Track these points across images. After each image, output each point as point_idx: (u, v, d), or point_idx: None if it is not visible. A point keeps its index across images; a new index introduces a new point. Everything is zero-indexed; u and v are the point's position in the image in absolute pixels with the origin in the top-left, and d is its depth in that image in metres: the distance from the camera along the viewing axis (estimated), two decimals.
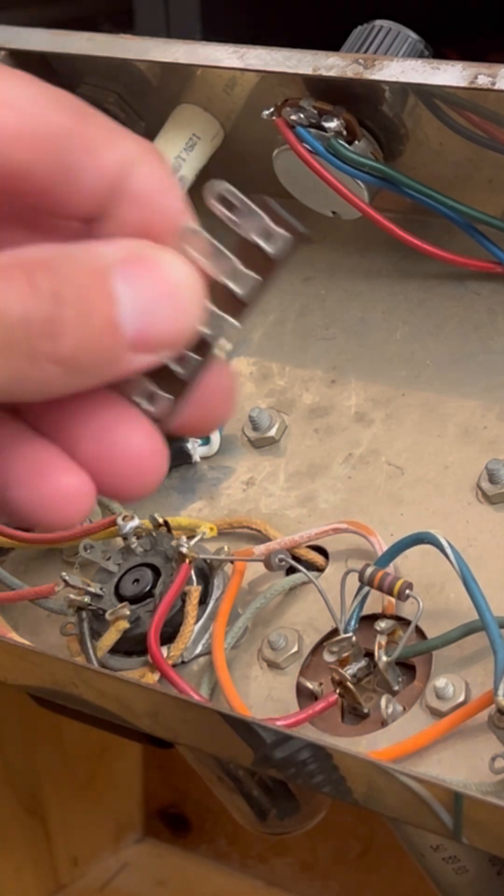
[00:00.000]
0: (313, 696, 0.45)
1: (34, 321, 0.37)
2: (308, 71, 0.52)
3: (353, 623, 0.44)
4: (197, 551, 0.48)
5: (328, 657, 0.44)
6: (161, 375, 0.41)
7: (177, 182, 0.39)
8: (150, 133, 0.58)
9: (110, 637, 0.48)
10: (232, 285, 0.40)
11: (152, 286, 0.38)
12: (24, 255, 0.37)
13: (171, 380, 0.41)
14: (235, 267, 0.40)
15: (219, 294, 0.39)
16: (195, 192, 0.41)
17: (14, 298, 0.36)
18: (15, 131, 0.37)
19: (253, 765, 0.44)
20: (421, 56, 0.54)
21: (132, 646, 0.48)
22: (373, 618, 0.45)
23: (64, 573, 0.49)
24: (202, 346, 0.40)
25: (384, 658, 0.44)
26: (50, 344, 0.37)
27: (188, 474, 0.55)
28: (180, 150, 0.58)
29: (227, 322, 0.40)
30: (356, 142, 0.53)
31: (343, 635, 0.44)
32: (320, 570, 0.48)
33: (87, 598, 0.49)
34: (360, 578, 0.44)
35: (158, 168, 0.38)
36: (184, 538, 0.48)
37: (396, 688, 0.44)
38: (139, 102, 0.59)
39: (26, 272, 0.37)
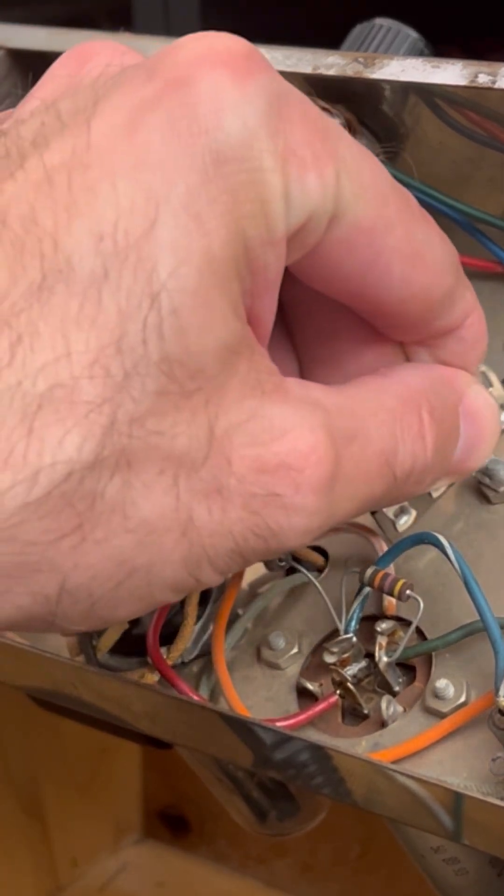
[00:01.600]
0: (313, 697, 0.45)
1: (416, 472, 0.38)
2: (308, 70, 0.52)
3: (353, 624, 0.44)
4: None
5: (328, 658, 0.44)
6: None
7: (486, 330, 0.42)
8: None
9: (110, 637, 0.48)
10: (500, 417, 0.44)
11: (479, 427, 0.40)
12: (415, 389, 0.39)
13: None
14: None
15: None
16: None
17: (407, 451, 0.38)
18: (421, 290, 0.38)
19: (252, 766, 0.43)
20: (421, 54, 0.54)
21: (132, 646, 0.48)
22: (373, 618, 0.45)
23: None
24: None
25: (384, 659, 0.44)
26: (416, 488, 0.38)
27: None
28: None
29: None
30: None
31: (343, 636, 0.44)
32: (320, 570, 0.48)
33: None
34: (361, 579, 0.44)
35: (481, 319, 0.41)
36: None
37: (397, 689, 0.44)
38: None
39: (419, 417, 0.38)
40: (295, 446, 0.34)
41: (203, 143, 0.32)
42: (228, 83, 0.33)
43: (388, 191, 0.37)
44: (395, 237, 0.37)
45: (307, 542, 0.35)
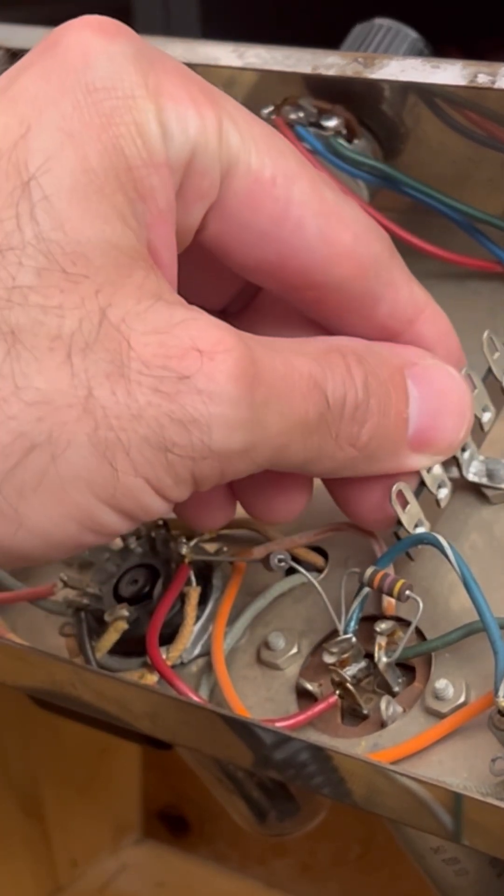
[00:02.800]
0: (313, 698, 0.45)
1: (349, 404, 0.38)
2: (307, 70, 0.52)
3: (352, 624, 0.44)
4: (196, 552, 0.48)
5: (328, 658, 0.44)
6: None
7: (453, 332, 0.42)
8: None
9: (109, 638, 0.48)
10: (482, 417, 0.45)
11: (438, 393, 0.41)
12: (336, 342, 0.39)
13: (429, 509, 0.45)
14: (487, 403, 0.43)
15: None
16: None
17: (337, 381, 0.38)
18: (344, 250, 0.39)
19: (252, 766, 0.43)
20: (421, 54, 0.54)
21: (131, 647, 0.48)
22: (372, 619, 0.45)
23: (62, 574, 0.49)
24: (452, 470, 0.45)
25: (384, 659, 0.44)
26: (354, 428, 0.38)
27: None
28: None
29: (474, 450, 0.45)
30: (356, 140, 0.53)
31: (343, 636, 0.44)
32: (320, 570, 0.48)
33: (85, 599, 0.48)
34: (360, 579, 0.44)
35: (442, 316, 0.42)
36: (183, 539, 0.48)
37: (396, 689, 0.44)
38: None
39: (343, 358, 0.38)
40: (200, 334, 0.34)
41: (73, 79, 0.35)
42: (95, 37, 0.35)
43: (283, 147, 0.38)
44: (301, 189, 0.37)
45: (237, 443, 0.35)
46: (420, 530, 0.44)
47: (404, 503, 0.43)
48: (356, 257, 0.39)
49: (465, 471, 0.46)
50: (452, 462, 0.45)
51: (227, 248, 0.38)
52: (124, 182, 0.34)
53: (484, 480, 0.46)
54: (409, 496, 0.43)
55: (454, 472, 0.45)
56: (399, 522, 0.43)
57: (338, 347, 0.38)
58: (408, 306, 0.40)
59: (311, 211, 0.38)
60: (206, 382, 0.34)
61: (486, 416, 0.46)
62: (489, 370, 0.46)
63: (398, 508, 0.43)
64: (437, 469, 0.44)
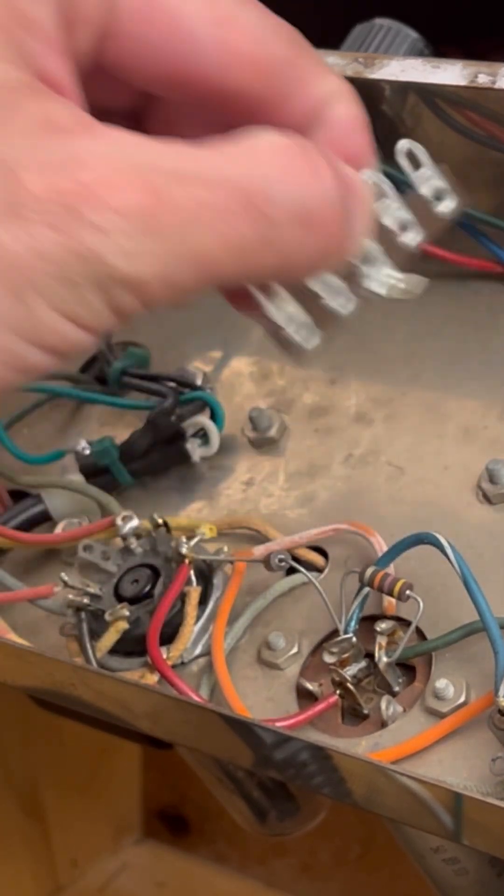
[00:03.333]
0: (313, 697, 0.45)
1: (321, 212, 0.36)
2: None
3: (353, 624, 0.44)
4: (196, 552, 0.48)
5: (328, 658, 0.44)
6: (316, 311, 0.40)
7: (367, 123, 0.39)
8: None
9: (109, 638, 0.48)
10: (400, 233, 0.40)
11: (357, 196, 0.38)
12: (297, 142, 0.36)
13: (324, 315, 0.40)
14: (407, 219, 0.40)
15: (386, 239, 0.39)
16: None
17: (291, 190, 0.35)
18: (242, 55, 0.38)
19: (252, 766, 0.43)
20: (421, 54, 0.54)
21: (132, 646, 0.48)
22: (373, 618, 0.45)
23: (63, 574, 0.49)
24: (356, 284, 0.39)
25: (384, 659, 0.44)
26: (332, 239, 0.36)
27: (188, 474, 0.54)
28: None
29: (387, 266, 0.40)
30: None
31: (343, 636, 0.44)
32: (320, 570, 0.48)
33: (86, 599, 0.48)
34: (360, 579, 0.44)
35: (355, 106, 0.39)
36: (183, 539, 0.48)
37: (396, 689, 0.44)
38: None
39: (305, 155, 0.36)
40: (93, 169, 0.33)
41: None
42: None
43: None
44: (193, 1, 0.37)
45: (144, 274, 0.34)
46: (309, 335, 0.39)
47: (272, 295, 0.39)
48: (255, 61, 0.38)
49: (365, 282, 0.41)
50: (354, 274, 0.41)
51: (122, 66, 0.38)
52: (3, 17, 0.34)
53: (485, 480, 0.46)
54: (279, 289, 0.39)
55: (364, 290, 0.41)
56: (277, 325, 0.38)
57: (297, 144, 0.36)
58: (319, 98, 0.39)
59: (203, 21, 0.37)
60: (98, 217, 0.33)
61: (410, 236, 0.41)
62: (410, 186, 0.41)
63: (263, 302, 0.37)
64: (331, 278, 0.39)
